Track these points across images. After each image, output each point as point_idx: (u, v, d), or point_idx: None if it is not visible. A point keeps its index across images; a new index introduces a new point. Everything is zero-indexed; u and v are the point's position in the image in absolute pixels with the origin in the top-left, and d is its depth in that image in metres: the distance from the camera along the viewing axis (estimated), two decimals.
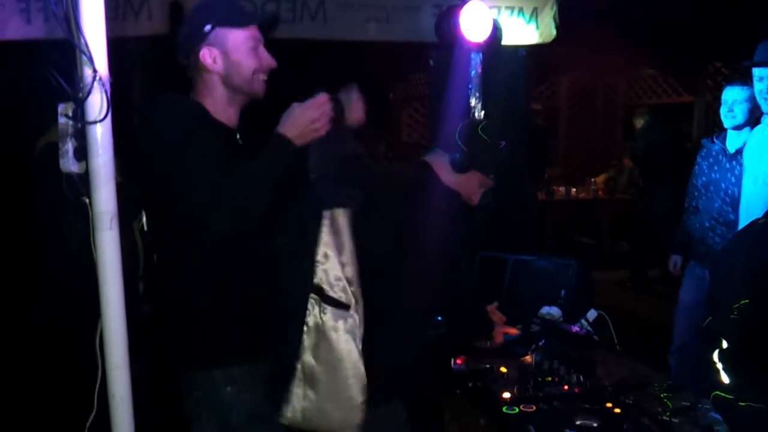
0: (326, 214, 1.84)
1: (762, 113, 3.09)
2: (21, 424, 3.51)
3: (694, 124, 7.41)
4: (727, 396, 1.80)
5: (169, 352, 1.96)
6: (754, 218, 2.18)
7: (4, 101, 4.49)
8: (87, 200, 1.79)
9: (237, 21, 1.85)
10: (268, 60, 1.89)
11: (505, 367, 2.30)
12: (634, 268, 6.88)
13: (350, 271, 1.84)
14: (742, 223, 2.98)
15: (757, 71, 2.98)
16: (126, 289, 1.80)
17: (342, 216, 1.85)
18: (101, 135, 1.74)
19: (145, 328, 2.01)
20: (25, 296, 4.27)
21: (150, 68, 4.05)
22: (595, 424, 1.84)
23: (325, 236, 1.83)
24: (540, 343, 2.42)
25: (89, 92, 1.71)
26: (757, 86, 2.99)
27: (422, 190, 2.09)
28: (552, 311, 2.89)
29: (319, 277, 1.82)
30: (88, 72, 1.71)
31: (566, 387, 2.16)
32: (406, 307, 2.00)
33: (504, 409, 1.99)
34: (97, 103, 1.72)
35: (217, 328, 1.86)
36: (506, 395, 2.07)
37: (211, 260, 1.82)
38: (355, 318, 1.81)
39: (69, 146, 1.78)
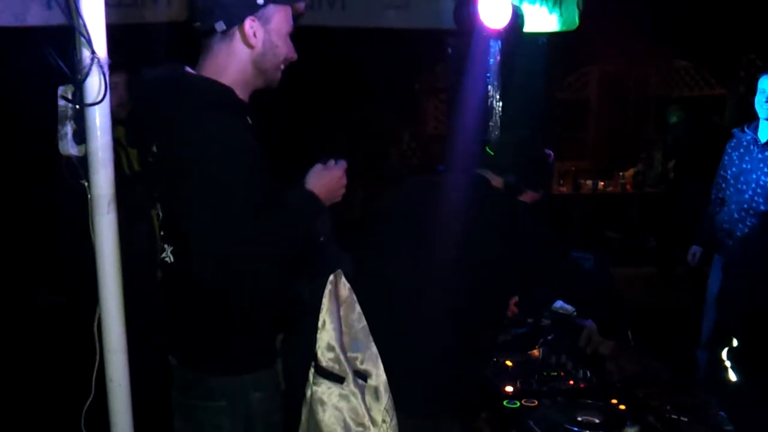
0: (330, 279, 1.78)
1: None
2: (23, 406, 3.54)
3: (725, 116, 7.23)
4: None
5: (189, 357, 1.80)
6: None
7: (25, 87, 4.53)
8: (86, 183, 1.79)
9: (288, 1, 1.76)
10: (293, 52, 1.81)
11: (511, 361, 2.25)
12: (661, 264, 6.75)
13: (347, 337, 1.78)
14: None
15: None
16: (145, 277, 1.76)
17: (343, 282, 1.80)
18: (100, 117, 1.74)
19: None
20: (51, 281, 4.33)
21: (168, 54, 4.05)
22: (597, 420, 1.79)
23: (326, 301, 1.76)
24: (549, 338, 2.37)
25: (88, 74, 1.71)
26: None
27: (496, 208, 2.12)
28: (566, 306, 2.83)
29: (317, 345, 1.75)
30: (86, 54, 1.70)
31: (572, 382, 2.11)
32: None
33: (505, 402, 1.95)
34: (95, 85, 1.72)
35: (243, 333, 1.75)
36: (509, 389, 2.03)
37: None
38: (350, 392, 1.74)
39: (68, 129, 1.78)
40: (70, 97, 1.76)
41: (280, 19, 1.75)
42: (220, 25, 1.72)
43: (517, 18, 3.67)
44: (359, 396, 1.74)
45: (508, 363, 2.24)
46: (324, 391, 1.73)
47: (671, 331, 4.32)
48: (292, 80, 1.93)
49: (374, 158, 7.62)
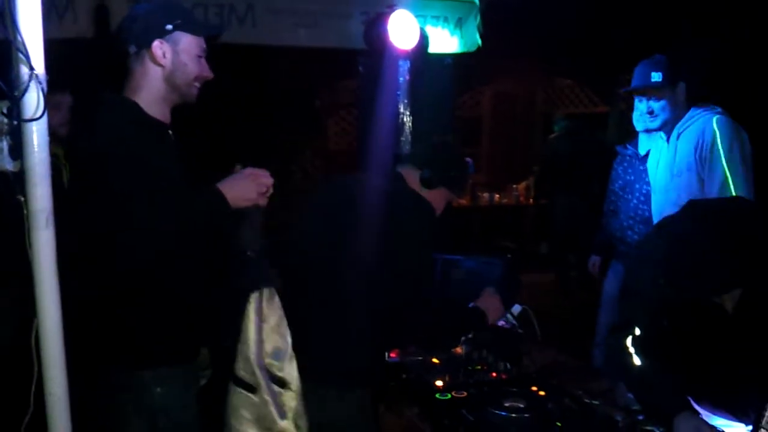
0: (254, 295, 1.89)
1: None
2: None
3: (608, 132, 7.78)
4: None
5: (96, 351, 1.94)
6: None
7: None
8: (22, 199, 1.78)
9: (195, 29, 1.98)
10: (207, 71, 2.01)
11: (437, 359, 2.40)
12: (557, 271, 7.17)
13: (269, 347, 1.88)
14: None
15: (636, 96, 3.28)
16: None
17: (267, 297, 1.91)
18: (37, 133, 1.74)
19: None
20: None
21: (75, 70, 3.97)
22: (522, 405, 1.96)
23: (250, 315, 1.87)
24: (468, 336, 2.53)
25: (25, 90, 1.71)
26: (638, 107, 3.27)
27: (400, 201, 2.16)
28: None
29: (236, 356, 1.87)
30: (24, 70, 1.71)
31: (494, 374, 2.28)
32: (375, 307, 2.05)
33: (437, 395, 2.08)
34: (33, 101, 1.72)
35: (148, 328, 1.88)
36: (439, 383, 2.17)
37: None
38: (261, 401, 1.84)
39: (4, 144, 1.77)
40: (5, 111, 1.76)
41: (188, 42, 1.97)
42: (132, 48, 1.95)
43: (423, 39, 3.89)
44: (271, 404, 1.85)
45: (435, 360, 2.39)
46: (237, 398, 1.86)
47: (569, 330, 4.64)
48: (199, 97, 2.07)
49: (278, 175, 7.64)
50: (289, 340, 1.91)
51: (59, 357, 1.82)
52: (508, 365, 2.34)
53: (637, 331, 2.01)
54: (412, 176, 2.25)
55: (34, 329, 1.80)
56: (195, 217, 1.87)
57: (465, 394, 2.09)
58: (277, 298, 1.92)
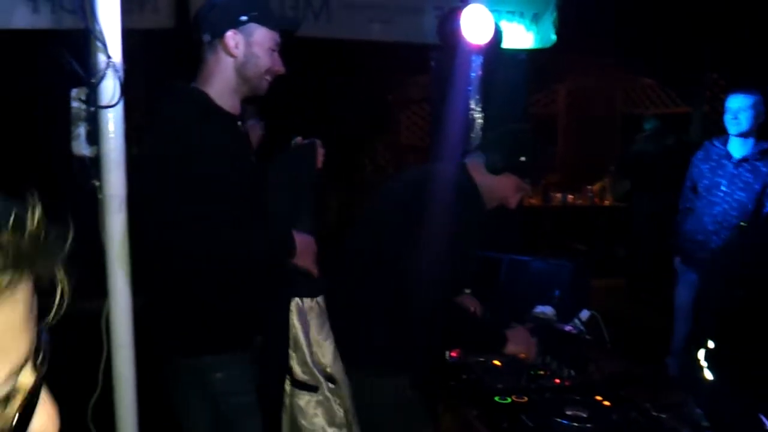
0: (295, 302, 1.96)
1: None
2: None
3: (690, 133, 7.49)
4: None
5: (161, 339, 2.00)
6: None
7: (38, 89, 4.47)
8: (97, 183, 1.84)
9: (270, 22, 1.97)
10: (280, 66, 2.01)
11: (499, 361, 2.35)
12: (629, 275, 6.94)
13: (317, 349, 1.97)
14: None
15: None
16: None
17: (309, 305, 1.98)
18: (113, 120, 1.81)
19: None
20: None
21: (154, 61, 4.09)
22: (585, 415, 1.89)
23: (294, 322, 1.94)
24: (533, 339, 2.46)
25: (102, 78, 1.77)
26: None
27: (450, 191, 2.12)
28: (546, 310, 2.94)
29: (291, 361, 1.95)
30: (102, 58, 1.77)
31: (558, 380, 2.21)
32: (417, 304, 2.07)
33: (496, 399, 2.04)
34: (110, 89, 1.79)
35: (209, 315, 1.92)
36: (499, 386, 2.12)
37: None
38: (324, 398, 1.95)
39: (81, 130, 1.84)
40: (83, 98, 1.82)
41: (262, 34, 1.96)
42: (206, 37, 1.96)
43: (497, 34, 3.82)
44: (332, 400, 1.97)
45: (497, 363, 2.33)
46: (302, 400, 1.95)
47: (641, 339, 4.49)
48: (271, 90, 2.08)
49: (349, 169, 7.70)
50: (331, 339, 2.01)
51: (128, 339, 1.89)
52: (572, 372, 2.26)
53: (711, 344, 1.92)
54: (476, 164, 2.19)
55: (105, 311, 1.87)
56: (251, 254, 1.93)
57: (526, 399, 2.03)
58: (316, 304, 1.99)
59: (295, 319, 1.95)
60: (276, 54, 1.99)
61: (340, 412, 1.98)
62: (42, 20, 3.66)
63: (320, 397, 1.95)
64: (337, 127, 7.44)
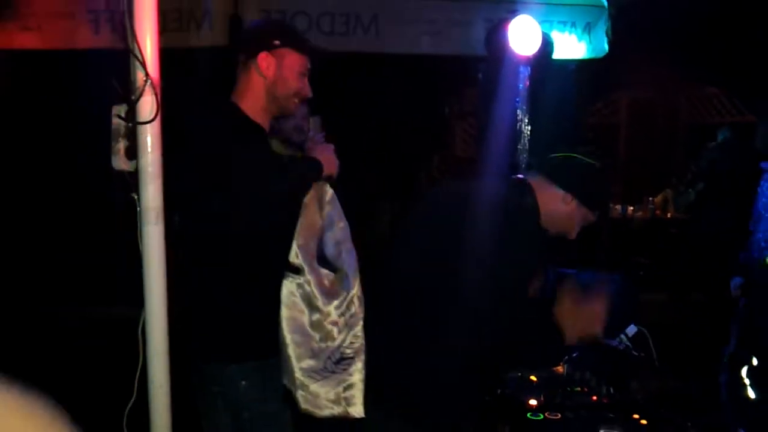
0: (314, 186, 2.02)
1: None
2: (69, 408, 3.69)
3: (756, 143, 7.19)
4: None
5: (189, 347, 2.06)
6: None
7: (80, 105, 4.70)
8: (135, 196, 1.91)
9: (301, 48, 2.09)
10: (307, 90, 2.11)
11: (535, 376, 2.31)
12: (674, 290, 6.72)
13: (310, 238, 1.99)
14: None
15: None
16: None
17: (326, 189, 2.05)
18: (151, 135, 1.86)
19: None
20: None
21: (210, 77, 4.22)
22: None
23: (308, 202, 2.00)
24: (573, 355, 2.41)
25: (141, 95, 1.84)
26: None
27: (509, 210, 1.94)
28: None
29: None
30: (140, 76, 1.84)
31: (595, 397, 2.16)
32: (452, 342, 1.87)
33: (529, 415, 2.00)
34: (148, 105, 1.85)
35: (236, 324, 1.98)
36: (532, 402, 2.08)
37: (234, 260, 1.97)
38: (305, 281, 1.97)
39: (121, 145, 1.91)
40: (123, 115, 1.89)
41: (293, 58, 2.07)
42: (241, 57, 2.07)
43: (547, 45, 3.78)
44: (313, 283, 1.97)
45: (533, 378, 2.30)
46: (287, 283, 1.98)
47: (696, 354, 4.34)
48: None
49: (404, 180, 7.73)
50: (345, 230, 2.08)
51: (163, 347, 1.94)
52: (611, 389, 2.20)
53: (755, 362, 1.84)
54: (543, 185, 1.99)
55: (141, 320, 1.93)
56: (292, 188, 2.00)
57: (559, 416, 1.99)
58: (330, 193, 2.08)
59: (308, 200, 2.02)
60: (306, 79, 2.10)
61: (317, 297, 1.98)
62: (102, 40, 3.84)
63: (301, 280, 1.97)
64: (395, 140, 7.50)
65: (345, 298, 2.00)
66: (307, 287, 1.97)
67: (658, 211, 7.91)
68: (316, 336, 1.97)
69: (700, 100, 9.08)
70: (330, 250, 2.06)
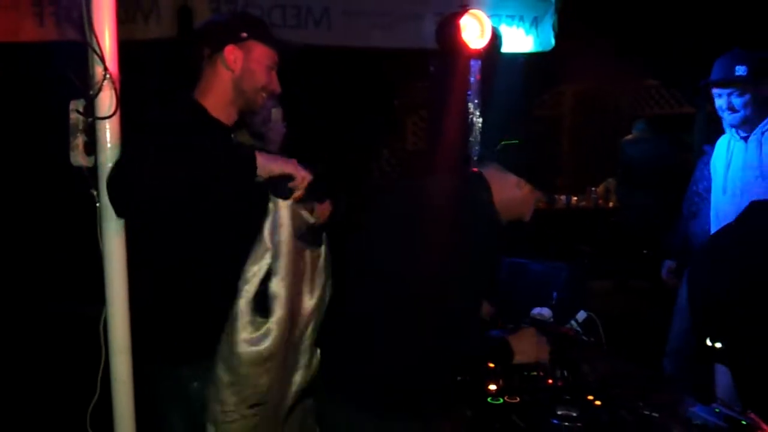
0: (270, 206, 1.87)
1: None
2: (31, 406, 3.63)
3: (694, 134, 7.48)
4: None
5: (139, 345, 1.96)
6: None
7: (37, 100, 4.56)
8: (95, 192, 1.89)
9: (270, 42, 2.04)
10: (276, 84, 2.07)
11: (492, 363, 2.37)
12: (617, 278, 6.98)
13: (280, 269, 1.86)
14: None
15: (714, 90, 3.13)
16: None
17: (284, 208, 1.88)
18: (110, 130, 1.85)
19: None
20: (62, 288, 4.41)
21: (158, 71, 4.16)
22: (575, 414, 1.92)
23: (266, 231, 1.86)
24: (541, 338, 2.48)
25: (100, 90, 1.82)
26: (717, 102, 3.12)
27: (465, 206, 1.99)
28: (543, 312, 2.97)
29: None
30: (99, 71, 1.81)
31: (550, 381, 2.24)
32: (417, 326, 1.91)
33: (489, 399, 2.07)
34: (107, 100, 1.83)
35: (185, 325, 1.95)
36: (492, 387, 2.15)
37: (175, 256, 1.94)
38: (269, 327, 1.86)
39: (79, 141, 1.89)
40: (81, 110, 1.87)
41: (261, 52, 2.02)
42: (206, 50, 2.02)
43: (496, 39, 3.86)
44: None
45: (491, 364, 2.36)
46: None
47: (639, 339, 4.50)
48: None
49: (356, 174, 7.75)
50: None
51: (126, 344, 1.92)
52: (565, 372, 2.29)
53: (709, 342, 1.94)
54: (497, 175, 2.06)
55: (103, 317, 1.91)
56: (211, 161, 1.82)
57: (518, 399, 2.07)
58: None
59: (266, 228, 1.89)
60: (273, 73, 2.06)
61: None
62: (47, 33, 3.73)
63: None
64: (346, 133, 7.50)
65: None
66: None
67: (600, 201, 8.14)
68: None
69: (640, 92, 9.38)
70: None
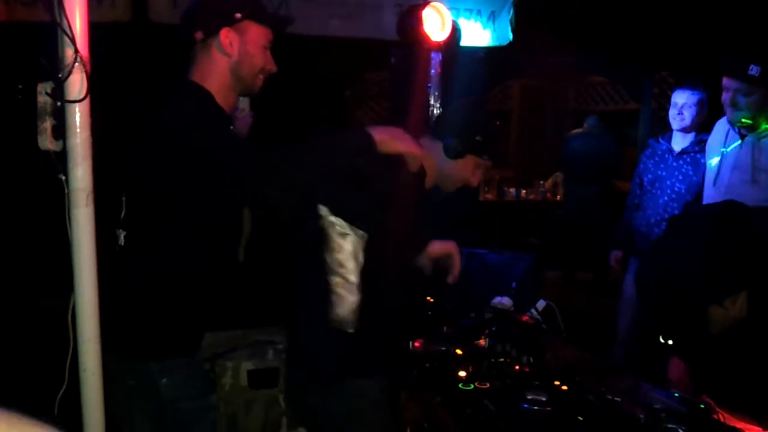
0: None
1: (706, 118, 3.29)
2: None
3: (639, 129, 7.72)
4: None
5: (108, 340, 1.90)
6: None
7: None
8: (63, 177, 1.84)
9: (265, 20, 1.93)
10: (272, 64, 1.96)
11: (461, 350, 2.42)
12: (564, 269, 7.18)
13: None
14: None
15: (724, 81, 3.02)
16: None
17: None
18: (80, 114, 1.79)
19: None
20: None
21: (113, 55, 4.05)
22: (544, 399, 1.98)
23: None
24: (492, 329, 2.55)
25: (70, 72, 1.76)
26: (723, 95, 3.04)
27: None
28: (503, 301, 3.03)
29: None
30: (69, 53, 1.76)
31: (517, 367, 2.30)
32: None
33: (460, 385, 2.11)
34: (77, 83, 1.77)
35: (155, 320, 1.89)
36: (462, 373, 2.19)
37: (172, 246, 1.88)
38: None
39: (47, 124, 1.83)
40: (49, 92, 1.81)
41: (256, 32, 1.91)
42: (198, 35, 1.90)
43: (456, 32, 3.89)
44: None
45: (459, 351, 2.41)
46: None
47: (589, 328, 4.63)
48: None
49: None
50: None
51: (94, 333, 1.87)
52: (531, 359, 2.35)
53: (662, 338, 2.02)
54: (434, 150, 2.10)
55: (71, 305, 1.86)
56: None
57: (488, 385, 2.11)
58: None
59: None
60: (269, 52, 1.94)
61: None
62: (15, 13, 3.58)
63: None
64: (296, 122, 7.44)
65: None
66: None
67: (548, 194, 8.33)
68: None
69: (586, 88, 9.61)
70: None
